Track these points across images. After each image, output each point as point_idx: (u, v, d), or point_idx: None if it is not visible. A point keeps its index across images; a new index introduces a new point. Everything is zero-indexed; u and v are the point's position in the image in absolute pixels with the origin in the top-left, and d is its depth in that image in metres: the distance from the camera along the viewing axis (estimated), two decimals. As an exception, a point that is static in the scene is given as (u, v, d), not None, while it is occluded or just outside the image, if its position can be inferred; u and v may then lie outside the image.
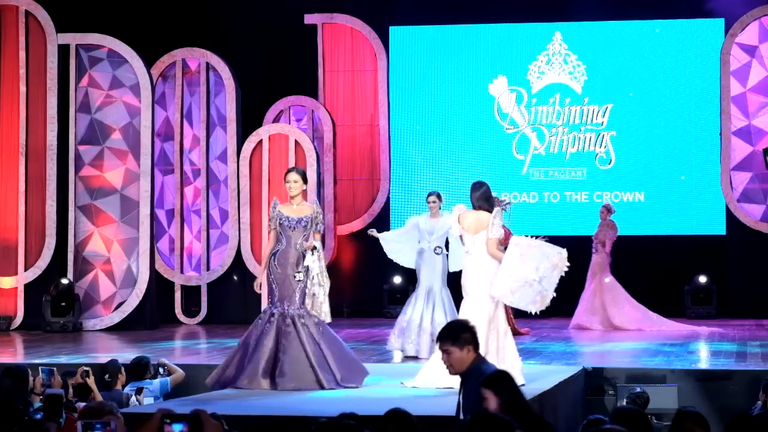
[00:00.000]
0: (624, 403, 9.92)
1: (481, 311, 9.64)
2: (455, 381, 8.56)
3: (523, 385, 9.14)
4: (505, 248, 9.95)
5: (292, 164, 17.41)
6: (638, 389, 10.34)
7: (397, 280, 18.06)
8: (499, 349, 9.67)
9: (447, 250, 12.92)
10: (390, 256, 13.35)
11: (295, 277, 10.14)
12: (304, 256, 10.19)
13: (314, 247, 10.22)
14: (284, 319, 10.08)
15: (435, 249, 12.89)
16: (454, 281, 12.97)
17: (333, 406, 8.63)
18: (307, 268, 10.17)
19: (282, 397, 9.57)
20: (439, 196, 13.15)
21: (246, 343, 10.16)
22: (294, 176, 10.36)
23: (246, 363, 10.03)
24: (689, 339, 14.76)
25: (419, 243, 13.02)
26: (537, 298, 9.70)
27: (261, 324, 10.16)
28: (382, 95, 18.97)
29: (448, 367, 6.84)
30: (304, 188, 10.38)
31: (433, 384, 9.79)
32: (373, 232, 13.65)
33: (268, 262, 10.26)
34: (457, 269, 12.68)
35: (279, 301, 10.15)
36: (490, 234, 9.77)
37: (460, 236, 10.02)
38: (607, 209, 16.69)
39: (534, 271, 9.64)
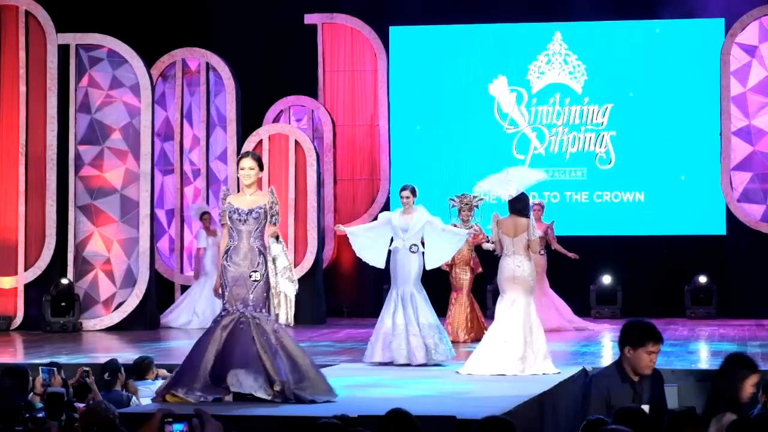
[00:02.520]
0: None
1: (517, 308, 10.79)
2: (509, 368, 10.45)
3: (558, 373, 10.63)
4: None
5: (292, 164, 17.44)
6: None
7: (397, 280, 18.03)
8: (534, 342, 10.78)
9: (423, 247, 12.02)
10: (359, 254, 12.29)
11: (251, 276, 8.92)
12: (260, 252, 8.95)
13: (278, 235, 9.11)
14: (238, 323, 8.89)
15: (411, 247, 11.90)
16: (431, 279, 12.87)
17: (333, 406, 8.63)
18: (273, 260, 9.04)
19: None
20: (413, 191, 12.10)
21: (191, 353, 9.05)
22: (250, 162, 9.12)
23: (185, 372, 8.90)
24: (688, 340, 14.76)
25: (393, 242, 12.00)
26: (501, 184, 11.32)
27: (210, 332, 9.01)
28: (382, 95, 18.97)
29: (649, 368, 6.71)
30: (260, 176, 9.20)
31: (488, 371, 10.72)
32: (339, 227, 12.80)
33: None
34: (435, 266, 12.24)
35: (230, 304, 8.95)
36: (532, 236, 10.88)
37: (499, 240, 11.05)
38: (542, 207, 16.35)
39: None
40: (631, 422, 5.55)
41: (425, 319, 11.81)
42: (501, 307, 10.97)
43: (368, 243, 12.12)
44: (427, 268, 12.06)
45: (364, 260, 12.31)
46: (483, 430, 5.36)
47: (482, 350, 10.93)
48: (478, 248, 14.62)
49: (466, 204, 14.61)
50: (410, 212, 12.06)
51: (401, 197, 12.17)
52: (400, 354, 11.71)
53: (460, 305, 14.80)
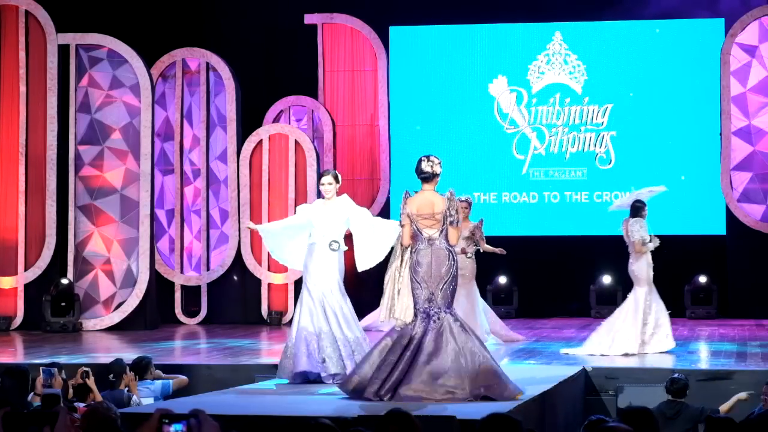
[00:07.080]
0: (664, 389, 10.04)
1: (635, 297, 12.97)
2: (629, 347, 12.57)
3: (671, 348, 12.87)
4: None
5: (292, 164, 17.46)
6: (676, 375, 10.25)
7: (397, 280, 17.99)
8: (649, 324, 12.88)
9: (345, 245, 10.29)
10: (274, 255, 10.61)
11: None
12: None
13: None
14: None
15: (330, 244, 10.10)
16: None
17: (333, 406, 8.63)
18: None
19: (281, 397, 9.55)
20: (336, 177, 10.25)
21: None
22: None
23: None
24: (688, 340, 14.76)
25: (310, 237, 10.17)
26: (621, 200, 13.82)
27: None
28: (382, 95, 18.96)
29: None
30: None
31: (611, 351, 12.58)
32: (249, 224, 10.92)
33: None
34: (368, 268, 10.32)
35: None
36: (632, 238, 12.88)
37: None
38: (469, 204, 14.08)
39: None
40: (635, 422, 5.54)
41: (351, 333, 10.11)
42: (627, 299, 13.11)
43: (285, 241, 10.34)
44: (360, 269, 10.27)
45: (280, 262, 10.70)
46: (488, 427, 5.33)
47: (600, 333, 12.87)
48: None
49: None
50: (331, 203, 10.25)
51: (321, 184, 10.30)
52: (331, 363, 10.00)
53: None
